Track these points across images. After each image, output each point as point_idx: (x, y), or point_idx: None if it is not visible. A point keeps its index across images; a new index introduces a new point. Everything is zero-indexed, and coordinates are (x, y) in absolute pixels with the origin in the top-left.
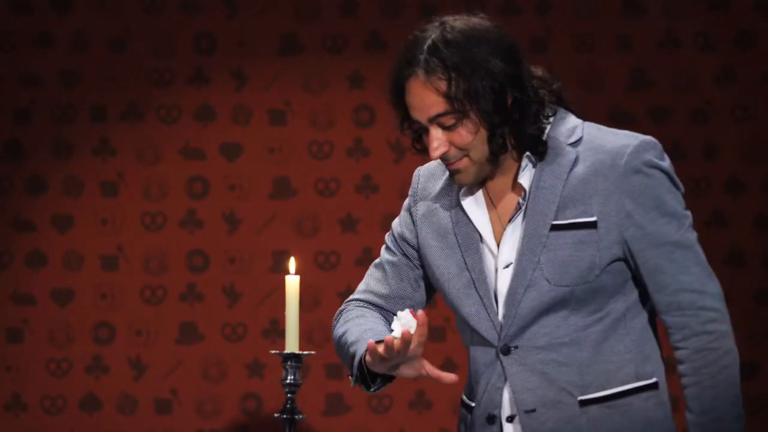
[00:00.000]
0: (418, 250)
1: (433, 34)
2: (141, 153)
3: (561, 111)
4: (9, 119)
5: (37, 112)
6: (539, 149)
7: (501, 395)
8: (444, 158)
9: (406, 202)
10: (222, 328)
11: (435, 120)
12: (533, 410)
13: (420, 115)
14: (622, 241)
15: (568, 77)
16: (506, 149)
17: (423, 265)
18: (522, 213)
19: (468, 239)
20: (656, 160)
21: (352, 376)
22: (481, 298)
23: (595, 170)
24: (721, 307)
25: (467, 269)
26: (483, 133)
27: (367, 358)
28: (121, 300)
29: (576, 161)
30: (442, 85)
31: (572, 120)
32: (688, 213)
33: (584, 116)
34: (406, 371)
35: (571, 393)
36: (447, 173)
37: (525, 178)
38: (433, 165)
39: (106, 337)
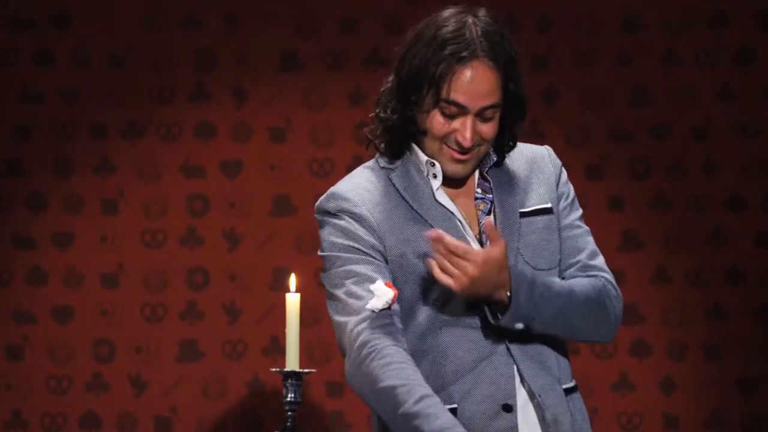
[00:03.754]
0: (385, 253)
1: (472, 21)
2: (141, 170)
3: None
4: (9, 136)
5: (38, 129)
6: (511, 146)
7: (513, 383)
8: (462, 148)
9: (342, 220)
10: (222, 345)
11: (484, 110)
12: (539, 396)
13: (472, 101)
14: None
15: (568, 94)
16: (508, 148)
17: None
18: (493, 205)
19: (453, 232)
20: None
21: None
22: None
23: (530, 166)
24: (614, 282)
25: None
26: (497, 128)
27: None
28: (122, 317)
29: (507, 160)
30: (503, 78)
31: None
32: None
33: (585, 133)
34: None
35: (559, 381)
36: (373, 183)
37: (486, 174)
38: (351, 182)
39: (106, 354)
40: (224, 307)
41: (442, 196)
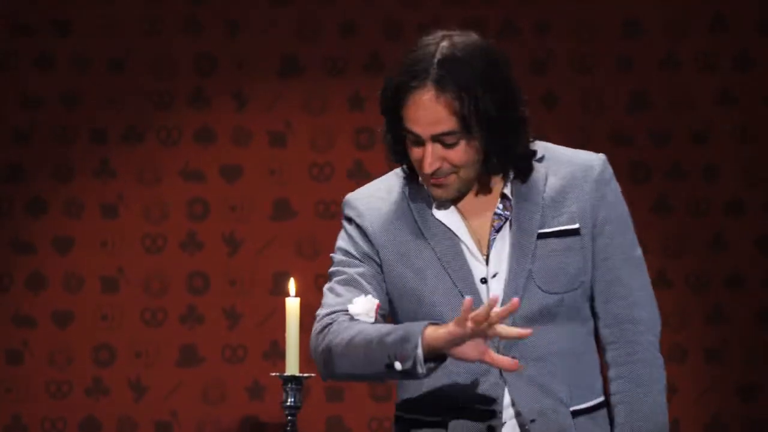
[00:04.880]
0: (380, 265)
1: (440, 47)
2: (141, 175)
3: None
4: (9, 140)
5: (38, 134)
6: (525, 167)
7: (501, 405)
8: (432, 174)
9: (349, 225)
10: (222, 350)
11: (439, 137)
12: (533, 420)
13: (422, 130)
14: (594, 248)
15: (568, 98)
16: (498, 170)
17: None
18: (507, 223)
19: (450, 251)
20: (614, 177)
21: (396, 362)
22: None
23: (569, 181)
24: (658, 333)
25: (451, 280)
26: (478, 153)
27: (436, 333)
28: (121, 322)
29: (547, 175)
30: (455, 104)
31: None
32: None
33: (584, 137)
34: (469, 352)
35: (564, 403)
36: (391, 193)
37: (507, 191)
38: (370, 188)
39: (106, 359)
40: (224, 311)
41: (444, 214)
